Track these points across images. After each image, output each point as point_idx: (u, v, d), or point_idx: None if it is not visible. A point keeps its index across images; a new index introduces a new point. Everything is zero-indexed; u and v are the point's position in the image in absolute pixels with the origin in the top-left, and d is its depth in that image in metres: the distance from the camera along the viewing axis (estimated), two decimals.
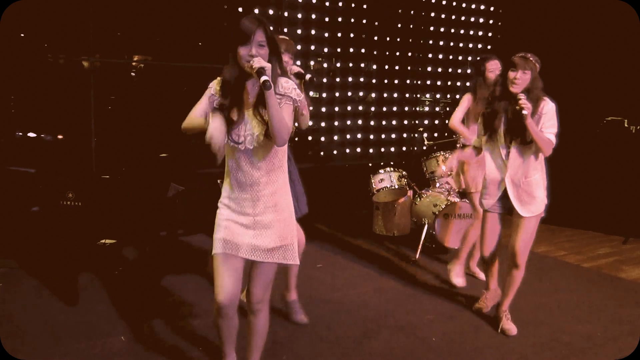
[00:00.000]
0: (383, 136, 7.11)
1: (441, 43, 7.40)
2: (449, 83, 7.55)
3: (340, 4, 6.57)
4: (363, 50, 6.83)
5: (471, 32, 7.63)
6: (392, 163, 6.91)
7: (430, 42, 7.32)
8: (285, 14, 6.19)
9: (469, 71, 7.52)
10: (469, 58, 7.59)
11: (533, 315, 3.92)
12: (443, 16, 7.35)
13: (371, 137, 7.02)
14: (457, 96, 7.32)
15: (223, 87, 2.36)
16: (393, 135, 7.18)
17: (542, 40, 6.54)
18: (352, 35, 6.70)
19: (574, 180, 4.52)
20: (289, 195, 2.53)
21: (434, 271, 4.80)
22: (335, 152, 6.77)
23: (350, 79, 6.77)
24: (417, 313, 3.93)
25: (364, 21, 6.79)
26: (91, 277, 4.21)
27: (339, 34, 6.58)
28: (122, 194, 3.92)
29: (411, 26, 7.13)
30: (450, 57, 7.49)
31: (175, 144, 5.39)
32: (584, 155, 6.25)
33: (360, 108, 6.92)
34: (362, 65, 6.90)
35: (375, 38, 6.90)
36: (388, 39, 6.99)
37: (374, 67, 7.00)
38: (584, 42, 6.66)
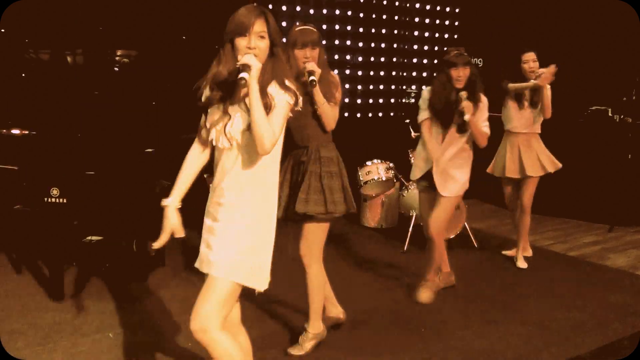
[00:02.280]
0: (369, 127, 7.10)
1: (426, 34, 7.41)
2: (435, 74, 7.55)
3: None
4: (349, 43, 6.81)
5: (456, 23, 7.64)
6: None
7: (416, 33, 7.33)
8: (270, 6, 6.14)
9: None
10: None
11: (520, 305, 3.96)
12: (428, 7, 7.36)
13: (358, 128, 7.01)
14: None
15: (215, 81, 2.18)
16: (380, 126, 7.18)
17: (529, 30, 6.57)
18: (337, 27, 6.68)
19: (559, 170, 4.58)
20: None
21: (422, 262, 4.81)
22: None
23: (336, 71, 6.73)
24: (405, 304, 3.95)
25: (349, 13, 6.77)
26: (78, 274, 4.18)
27: (324, 26, 6.56)
28: (107, 190, 3.87)
29: (396, 17, 7.13)
30: (436, 48, 7.49)
31: (161, 138, 5.35)
32: (568, 144, 6.29)
33: (347, 100, 6.91)
34: (348, 57, 6.89)
35: (361, 30, 6.89)
36: (373, 30, 6.98)
37: (360, 59, 6.98)
38: (567, 31, 6.70)
